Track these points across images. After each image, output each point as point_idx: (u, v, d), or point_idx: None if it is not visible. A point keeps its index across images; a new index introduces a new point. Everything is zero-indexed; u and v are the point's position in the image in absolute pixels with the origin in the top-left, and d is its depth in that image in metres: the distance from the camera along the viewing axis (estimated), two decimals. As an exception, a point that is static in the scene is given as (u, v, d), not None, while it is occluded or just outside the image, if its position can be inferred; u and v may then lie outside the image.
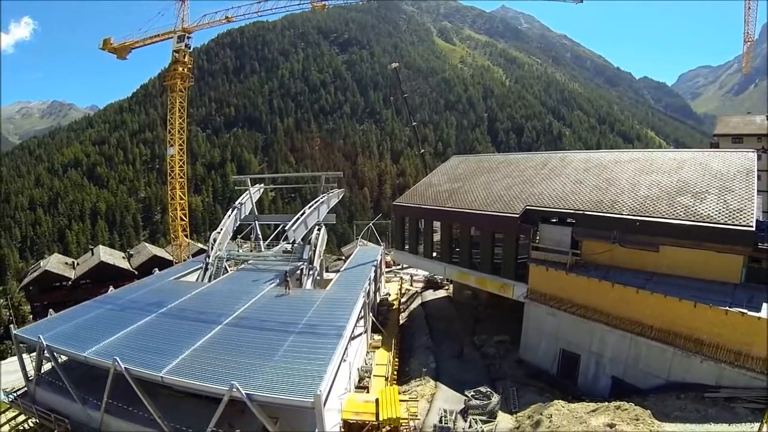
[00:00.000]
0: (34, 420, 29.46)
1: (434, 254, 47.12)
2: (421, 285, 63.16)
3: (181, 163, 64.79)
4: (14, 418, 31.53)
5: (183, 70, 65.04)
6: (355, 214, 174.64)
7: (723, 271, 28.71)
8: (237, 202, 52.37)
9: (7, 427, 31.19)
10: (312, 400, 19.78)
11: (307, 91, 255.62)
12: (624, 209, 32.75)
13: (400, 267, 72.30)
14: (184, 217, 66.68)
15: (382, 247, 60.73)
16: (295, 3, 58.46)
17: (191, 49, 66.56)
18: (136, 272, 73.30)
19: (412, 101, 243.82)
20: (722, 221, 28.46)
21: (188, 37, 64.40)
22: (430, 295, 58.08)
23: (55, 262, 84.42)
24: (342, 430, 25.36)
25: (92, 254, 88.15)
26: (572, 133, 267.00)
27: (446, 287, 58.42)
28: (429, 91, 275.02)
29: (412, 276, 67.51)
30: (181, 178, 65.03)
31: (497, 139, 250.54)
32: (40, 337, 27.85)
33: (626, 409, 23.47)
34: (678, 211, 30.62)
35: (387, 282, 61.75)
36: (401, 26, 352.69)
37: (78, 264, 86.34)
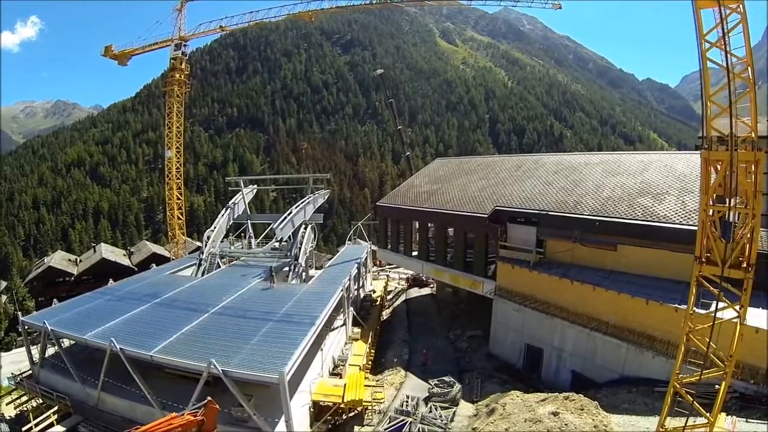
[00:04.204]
0: (37, 400, 31.79)
1: (413, 252, 49.52)
2: (406, 283, 65.15)
3: (178, 164, 67.35)
4: (18, 398, 33.99)
5: (180, 76, 67.23)
6: (355, 214, 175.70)
7: (678, 270, 29.29)
8: (231, 202, 54.69)
9: (12, 407, 33.73)
10: (277, 377, 22.19)
11: (310, 91, 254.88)
12: (585, 210, 34.45)
13: (392, 266, 74.22)
14: (181, 216, 69.18)
15: (369, 245, 62.63)
16: (284, 14, 60.97)
17: (188, 57, 68.96)
18: (136, 269, 75.11)
19: (413, 102, 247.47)
20: (677, 221, 29.81)
21: (185, 45, 66.85)
22: (415, 292, 60.08)
23: (58, 259, 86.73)
24: (312, 410, 27.86)
25: (94, 251, 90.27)
26: (573, 135, 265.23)
27: (431, 285, 60.14)
28: (431, 92, 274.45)
29: (400, 274, 69.59)
30: (179, 179, 67.55)
31: (498, 141, 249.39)
32: (45, 322, 30.50)
33: (573, 400, 24.95)
34: (636, 212, 32.17)
35: (375, 279, 64.02)
36: (404, 27, 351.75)
37: (81, 261, 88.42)
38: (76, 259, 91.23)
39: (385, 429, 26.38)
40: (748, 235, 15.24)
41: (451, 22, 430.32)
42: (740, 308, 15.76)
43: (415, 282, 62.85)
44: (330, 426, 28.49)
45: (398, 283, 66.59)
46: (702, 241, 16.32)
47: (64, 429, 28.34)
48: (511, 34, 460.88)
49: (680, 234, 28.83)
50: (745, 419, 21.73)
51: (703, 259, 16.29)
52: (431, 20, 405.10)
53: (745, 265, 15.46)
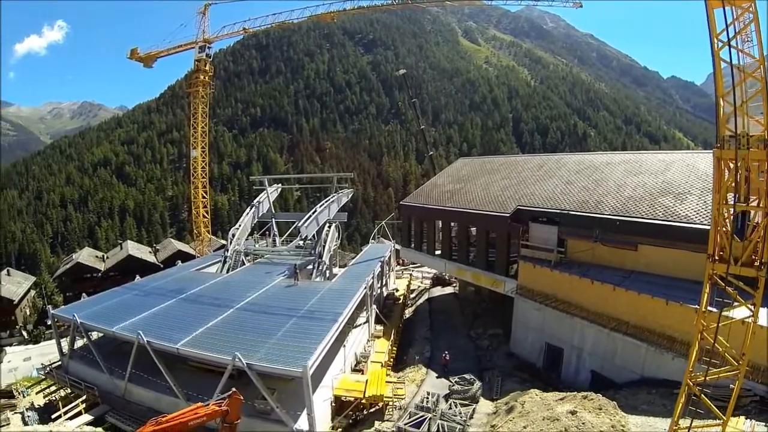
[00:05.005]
0: (66, 390, 32.93)
1: (436, 251, 49.87)
2: (429, 282, 65.05)
3: (203, 164, 68.40)
4: (47, 387, 35.41)
5: (204, 78, 68.35)
6: (379, 213, 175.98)
7: (698, 270, 28.43)
8: (255, 201, 55.65)
9: (41, 396, 35.00)
10: (300, 370, 22.80)
11: (333, 91, 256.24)
12: (606, 209, 34.20)
13: (415, 265, 74.37)
14: (206, 215, 70.32)
15: (392, 243, 62.88)
16: (305, 16, 61.88)
17: (212, 58, 70.02)
18: (162, 265, 76.74)
19: (437, 102, 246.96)
20: (699, 221, 29.22)
21: (209, 47, 67.89)
22: (438, 291, 60.05)
23: (86, 255, 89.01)
24: (333, 405, 28.45)
25: (121, 248, 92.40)
26: (597, 134, 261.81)
27: (454, 284, 60.11)
28: (454, 91, 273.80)
29: (423, 273, 69.82)
30: (204, 178, 68.61)
31: (522, 140, 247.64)
32: (75, 315, 31.78)
33: (592, 399, 24.79)
34: (658, 212, 31.77)
35: (398, 278, 64.39)
36: (426, 27, 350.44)
37: (107, 257, 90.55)
38: (102, 255, 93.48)
39: (405, 424, 26.70)
40: (761, 233, 15.28)
41: (474, 21, 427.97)
42: (753, 306, 15.79)
43: (437, 281, 62.76)
44: (351, 420, 28.99)
45: (421, 282, 66.82)
46: (715, 238, 16.30)
47: (92, 418, 29.45)
48: (534, 32, 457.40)
49: (701, 234, 27.50)
50: (764, 423, 21.41)
51: (716, 258, 16.27)
52: (453, 19, 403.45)
53: (757, 264, 15.49)
